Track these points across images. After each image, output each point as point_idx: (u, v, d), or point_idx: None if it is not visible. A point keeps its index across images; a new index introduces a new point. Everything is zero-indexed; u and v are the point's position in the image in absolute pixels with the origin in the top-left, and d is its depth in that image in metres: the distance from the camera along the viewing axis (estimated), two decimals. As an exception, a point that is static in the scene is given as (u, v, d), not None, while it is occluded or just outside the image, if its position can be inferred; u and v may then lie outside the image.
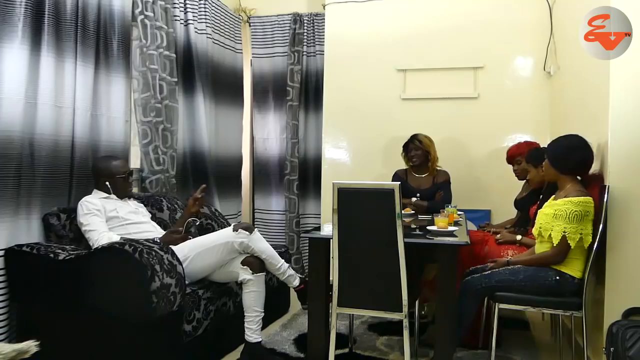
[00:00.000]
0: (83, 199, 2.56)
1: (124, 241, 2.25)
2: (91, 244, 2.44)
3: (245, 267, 2.54)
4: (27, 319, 2.32)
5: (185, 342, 2.34)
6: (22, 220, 2.37)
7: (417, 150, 3.47)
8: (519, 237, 2.82)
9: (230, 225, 2.75)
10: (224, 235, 2.60)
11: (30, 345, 1.48)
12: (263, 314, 2.57)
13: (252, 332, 2.51)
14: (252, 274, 2.53)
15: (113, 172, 2.70)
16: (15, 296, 2.31)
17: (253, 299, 2.53)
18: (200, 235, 2.88)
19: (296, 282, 2.73)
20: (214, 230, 3.16)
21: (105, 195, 2.67)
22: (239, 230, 2.57)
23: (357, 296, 2.20)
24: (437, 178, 3.51)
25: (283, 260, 2.71)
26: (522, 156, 3.08)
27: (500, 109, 3.80)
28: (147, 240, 2.39)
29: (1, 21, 2.25)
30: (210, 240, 2.61)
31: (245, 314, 2.53)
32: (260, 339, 2.54)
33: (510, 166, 3.24)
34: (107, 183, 2.67)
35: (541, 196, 2.78)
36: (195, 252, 2.54)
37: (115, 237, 2.44)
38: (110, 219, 2.58)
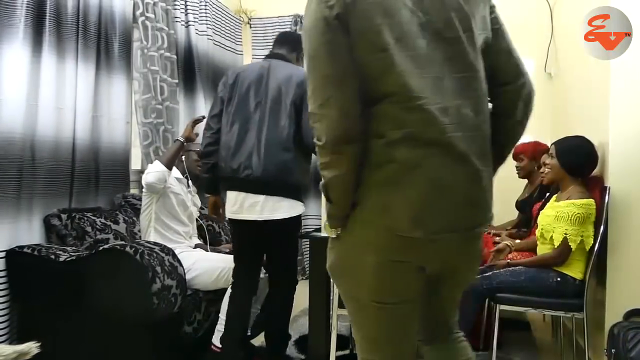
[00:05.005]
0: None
1: (125, 243, 2.26)
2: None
3: None
4: (27, 320, 2.32)
5: (186, 344, 2.34)
6: (24, 222, 2.36)
7: None
8: (509, 242, 2.72)
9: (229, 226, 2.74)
10: (228, 260, 2.49)
11: (31, 347, 1.48)
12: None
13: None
14: None
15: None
16: (16, 298, 2.31)
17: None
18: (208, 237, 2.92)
19: None
20: (214, 231, 3.16)
21: (180, 176, 2.72)
22: None
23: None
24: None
25: None
26: (525, 155, 3.07)
27: (501, 109, 3.79)
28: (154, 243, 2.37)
29: (2, 22, 2.25)
30: (215, 261, 2.56)
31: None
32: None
33: (512, 166, 3.22)
34: (183, 157, 2.71)
35: (547, 194, 2.76)
36: (200, 266, 2.51)
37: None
38: (179, 204, 2.65)
